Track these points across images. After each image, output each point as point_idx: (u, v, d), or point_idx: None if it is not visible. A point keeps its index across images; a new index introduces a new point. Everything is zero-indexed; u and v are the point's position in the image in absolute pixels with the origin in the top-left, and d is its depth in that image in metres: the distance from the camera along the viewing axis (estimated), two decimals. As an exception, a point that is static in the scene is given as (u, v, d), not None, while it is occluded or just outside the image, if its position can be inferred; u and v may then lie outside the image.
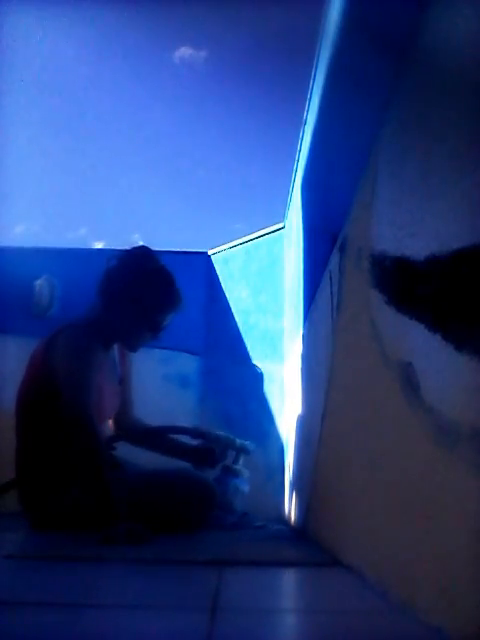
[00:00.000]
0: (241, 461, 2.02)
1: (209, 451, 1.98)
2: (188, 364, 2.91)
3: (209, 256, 3.19)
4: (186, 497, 1.75)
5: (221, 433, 2.02)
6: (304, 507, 1.77)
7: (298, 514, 1.90)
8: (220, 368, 2.90)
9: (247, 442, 2.05)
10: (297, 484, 1.96)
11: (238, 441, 2.02)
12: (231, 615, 0.67)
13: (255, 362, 2.84)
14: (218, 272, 3.12)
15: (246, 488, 1.99)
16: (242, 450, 2.03)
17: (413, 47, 0.76)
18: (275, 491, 2.45)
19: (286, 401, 2.50)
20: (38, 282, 2.70)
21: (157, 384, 2.74)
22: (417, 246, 0.71)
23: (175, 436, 2.08)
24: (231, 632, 0.61)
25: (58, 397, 1.65)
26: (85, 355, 1.72)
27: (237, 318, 2.98)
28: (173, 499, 1.72)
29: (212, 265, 3.16)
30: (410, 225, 0.75)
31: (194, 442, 2.05)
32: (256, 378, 2.79)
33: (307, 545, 1.48)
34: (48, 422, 1.72)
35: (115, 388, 1.94)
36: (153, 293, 1.84)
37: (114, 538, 1.30)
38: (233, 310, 3.00)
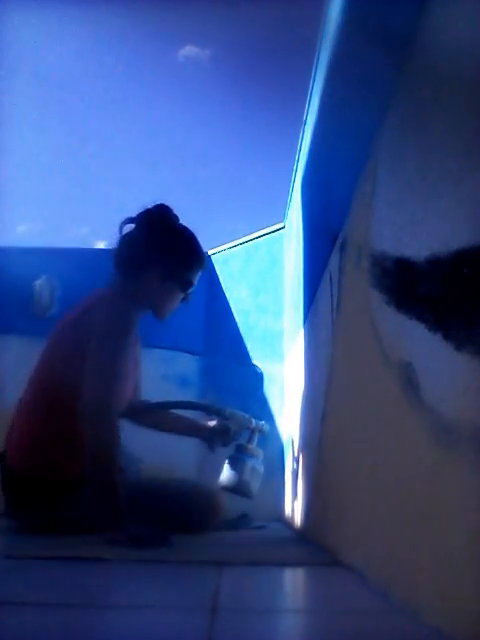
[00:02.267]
0: (256, 441, 1.88)
1: (224, 429, 1.87)
2: (188, 364, 2.91)
3: (209, 256, 3.19)
4: (191, 509, 1.68)
5: (237, 411, 1.91)
6: (304, 507, 1.77)
7: (298, 514, 1.90)
8: (220, 368, 2.90)
9: (262, 422, 1.93)
10: (297, 484, 1.96)
11: (254, 420, 1.90)
12: (231, 615, 0.67)
13: (255, 362, 2.84)
14: (218, 272, 3.12)
15: (262, 469, 1.84)
16: (258, 430, 1.90)
17: (413, 47, 0.76)
18: (275, 491, 2.45)
19: (286, 401, 2.50)
20: (38, 282, 2.70)
21: (157, 384, 2.73)
22: (417, 246, 0.71)
23: (182, 413, 1.97)
24: (231, 632, 0.61)
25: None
26: (126, 332, 1.55)
27: (237, 318, 2.98)
28: (176, 511, 1.63)
29: (212, 265, 3.16)
30: (410, 225, 0.75)
31: (205, 420, 1.93)
32: (256, 378, 2.79)
33: (307, 545, 1.48)
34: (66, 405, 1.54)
35: (133, 371, 1.80)
36: (182, 251, 1.74)
37: (124, 542, 1.26)
38: (233, 310, 3.00)
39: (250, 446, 1.85)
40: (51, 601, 0.74)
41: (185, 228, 1.78)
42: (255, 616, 0.69)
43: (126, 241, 1.73)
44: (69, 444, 1.58)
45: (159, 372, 2.77)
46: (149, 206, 1.75)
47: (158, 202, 1.76)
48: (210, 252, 3.19)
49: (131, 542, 1.26)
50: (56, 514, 1.55)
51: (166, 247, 1.71)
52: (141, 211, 1.75)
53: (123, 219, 1.75)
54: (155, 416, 1.94)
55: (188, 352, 2.93)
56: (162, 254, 1.70)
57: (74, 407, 1.48)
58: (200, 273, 1.80)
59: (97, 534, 1.35)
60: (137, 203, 1.75)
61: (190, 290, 1.79)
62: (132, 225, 1.75)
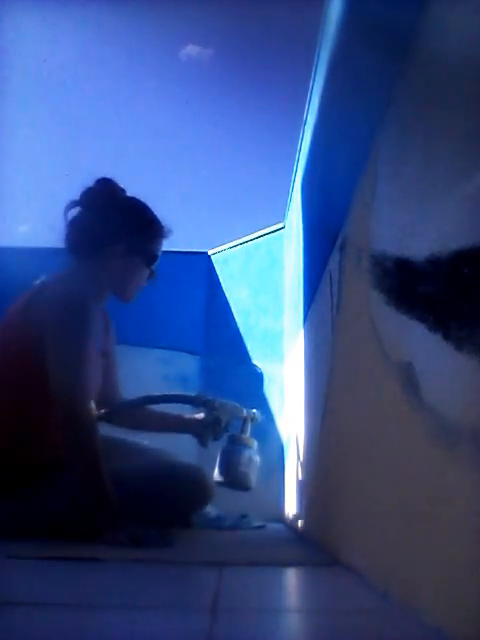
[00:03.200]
0: (249, 431, 1.78)
1: (215, 421, 1.74)
2: (188, 364, 2.91)
3: (209, 256, 3.19)
4: (177, 490, 1.57)
5: (227, 401, 1.78)
6: (304, 507, 1.77)
7: (298, 514, 1.90)
8: (220, 368, 2.90)
9: (254, 410, 1.83)
10: (297, 484, 1.96)
11: (245, 409, 1.80)
12: (231, 615, 0.67)
13: (255, 362, 2.84)
14: (218, 272, 3.12)
15: (258, 459, 1.73)
16: (250, 418, 1.79)
17: (413, 47, 0.76)
18: (275, 491, 2.45)
19: (286, 401, 2.50)
20: (38, 282, 2.70)
21: (157, 384, 2.73)
22: (417, 246, 0.71)
23: (160, 408, 1.85)
24: (231, 632, 0.61)
25: (41, 370, 1.40)
26: (83, 313, 1.44)
27: (237, 318, 2.98)
28: (162, 496, 1.52)
29: (212, 265, 3.16)
30: (410, 225, 0.75)
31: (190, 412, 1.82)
32: (256, 378, 2.79)
33: (307, 545, 1.48)
34: (25, 399, 1.48)
35: (98, 360, 1.60)
36: (140, 223, 1.64)
37: (124, 542, 1.23)
38: (233, 310, 3.00)
39: (244, 436, 1.75)
40: (51, 601, 0.74)
41: (135, 199, 1.68)
42: (255, 616, 0.69)
43: (76, 224, 1.63)
44: (30, 428, 1.51)
45: (159, 372, 2.78)
46: (90, 184, 1.65)
47: (100, 177, 1.65)
48: (210, 252, 3.19)
49: (131, 542, 1.24)
50: (19, 507, 1.45)
51: (123, 222, 1.61)
52: (83, 190, 1.64)
53: (66, 203, 1.64)
54: (137, 415, 1.81)
55: (188, 352, 2.93)
56: (120, 230, 1.61)
57: (35, 391, 1.44)
58: (162, 243, 1.69)
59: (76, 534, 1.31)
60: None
61: (155, 264, 1.69)
62: (77, 208, 1.65)
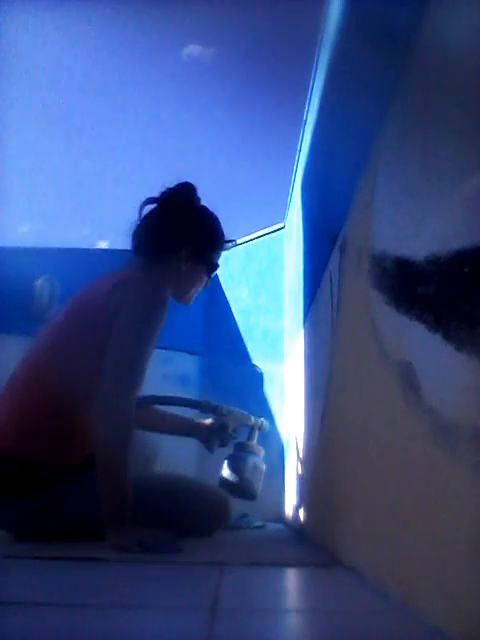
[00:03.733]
0: (256, 438, 1.78)
1: (222, 427, 1.75)
2: (188, 364, 2.91)
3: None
4: (196, 511, 1.56)
5: (235, 408, 1.80)
6: (304, 507, 1.77)
7: (298, 514, 1.90)
8: (220, 368, 2.90)
9: (262, 418, 1.84)
10: (297, 484, 1.96)
11: (253, 417, 1.81)
12: (231, 615, 0.67)
13: (255, 362, 2.84)
14: (218, 272, 3.12)
15: (264, 467, 1.74)
16: (258, 427, 1.80)
17: (414, 47, 0.76)
18: (275, 491, 2.45)
19: (286, 401, 2.50)
20: (38, 282, 2.70)
21: (157, 384, 2.73)
22: (417, 246, 0.71)
23: (171, 410, 1.86)
24: (231, 632, 0.61)
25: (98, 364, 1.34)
26: (162, 311, 1.41)
27: (237, 318, 2.98)
28: (180, 512, 1.51)
29: (212, 265, 3.16)
30: (410, 225, 0.75)
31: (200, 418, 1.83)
32: (256, 378, 2.79)
33: (307, 545, 1.48)
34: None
35: None
36: (209, 232, 1.67)
37: (133, 548, 1.19)
38: (233, 310, 3.01)
39: (250, 443, 1.75)
40: (51, 601, 0.74)
41: (208, 208, 1.70)
42: (255, 616, 0.69)
43: (149, 222, 1.63)
44: (61, 428, 1.46)
45: (159, 372, 2.77)
46: (171, 185, 1.65)
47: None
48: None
49: (140, 548, 1.20)
50: (39, 505, 1.42)
51: (194, 228, 1.63)
52: (164, 190, 1.64)
53: (144, 199, 1.64)
54: (145, 414, 1.76)
55: (188, 352, 2.93)
56: (191, 235, 1.62)
57: (76, 390, 1.39)
58: (222, 253, 1.73)
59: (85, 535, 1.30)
60: (138, 203, 1.70)
61: (214, 273, 1.73)
62: (153, 205, 1.65)
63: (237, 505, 2.01)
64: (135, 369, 1.36)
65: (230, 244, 1.74)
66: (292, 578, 1.03)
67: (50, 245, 2.94)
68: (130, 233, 1.65)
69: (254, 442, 1.77)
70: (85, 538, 1.37)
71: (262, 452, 1.76)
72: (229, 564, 1.06)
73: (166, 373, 2.81)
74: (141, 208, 1.64)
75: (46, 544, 1.31)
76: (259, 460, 1.73)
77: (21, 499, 1.43)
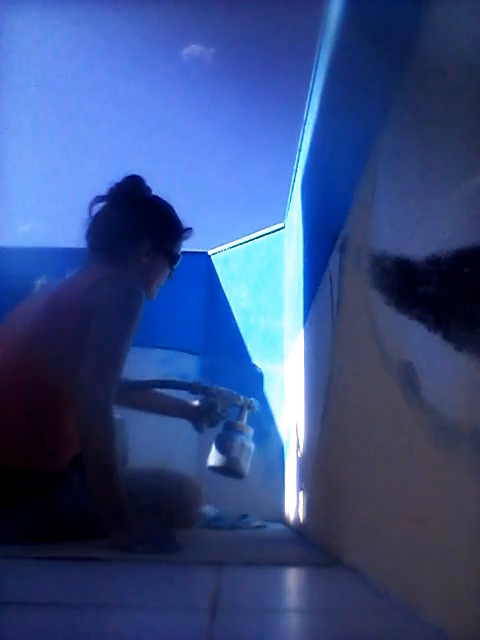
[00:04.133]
0: (245, 418, 1.80)
1: (211, 407, 1.78)
2: (188, 364, 2.91)
3: (209, 256, 3.19)
4: (168, 499, 1.59)
5: (223, 388, 1.82)
6: (304, 507, 1.77)
7: (298, 514, 1.90)
8: (220, 368, 2.90)
9: (251, 398, 1.85)
10: (297, 484, 1.96)
11: (242, 397, 1.82)
12: (231, 615, 0.67)
13: (255, 362, 2.84)
14: (218, 272, 3.12)
15: (252, 446, 1.75)
16: (247, 406, 1.82)
17: (413, 47, 0.76)
18: (275, 491, 2.45)
19: (286, 401, 2.50)
20: (38, 282, 2.70)
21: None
22: (417, 246, 0.71)
23: (164, 392, 1.88)
24: (231, 632, 0.61)
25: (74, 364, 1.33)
26: (138, 312, 1.39)
27: (237, 318, 2.98)
28: (153, 503, 1.50)
29: (212, 265, 3.16)
30: (410, 225, 0.75)
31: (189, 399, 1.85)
32: (256, 378, 2.79)
33: (307, 545, 1.48)
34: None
35: None
36: (166, 223, 1.64)
37: (133, 547, 1.19)
38: (233, 310, 3.01)
39: (239, 423, 1.76)
40: (51, 601, 0.74)
41: (160, 198, 1.66)
42: (255, 616, 0.69)
43: (102, 220, 1.59)
44: (43, 429, 1.42)
45: (159, 372, 2.77)
46: (119, 180, 1.61)
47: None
48: (210, 252, 3.19)
49: (141, 548, 1.20)
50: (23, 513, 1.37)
51: (150, 220, 1.60)
52: (112, 186, 1.60)
53: (92, 198, 1.61)
54: (136, 395, 1.81)
55: (188, 352, 2.93)
56: (148, 228, 1.59)
57: (57, 389, 1.38)
58: (182, 244, 1.69)
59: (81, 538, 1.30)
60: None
61: (176, 264, 1.70)
62: (103, 203, 1.61)
63: (237, 505, 2.02)
64: (114, 367, 1.36)
65: (188, 232, 1.69)
66: (292, 578, 1.03)
67: (50, 245, 2.93)
68: (83, 233, 1.62)
69: (243, 422, 1.78)
70: (85, 538, 1.37)
71: (251, 431, 1.77)
72: (229, 564, 1.06)
73: (166, 373, 2.81)
74: (91, 207, 1.61)
75: (46, 544, 1.31)
76: (247, 439, 1.74)
77: (16, 509, 1.39)
